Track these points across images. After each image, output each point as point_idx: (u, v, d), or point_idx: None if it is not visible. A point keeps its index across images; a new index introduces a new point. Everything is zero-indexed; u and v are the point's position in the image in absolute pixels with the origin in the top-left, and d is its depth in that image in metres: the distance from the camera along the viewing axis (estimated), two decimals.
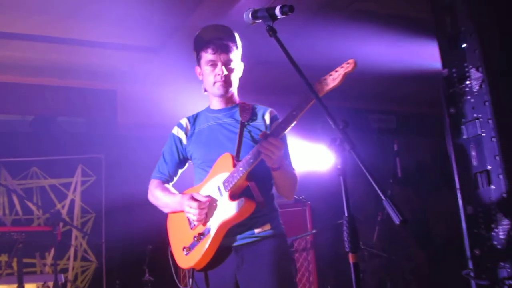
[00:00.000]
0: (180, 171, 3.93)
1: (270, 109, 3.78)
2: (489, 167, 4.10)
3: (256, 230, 3.50)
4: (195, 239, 3.50)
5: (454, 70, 4.39)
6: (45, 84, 8.41)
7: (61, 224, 7.21)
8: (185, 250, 3.57)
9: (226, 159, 3.52)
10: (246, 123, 3.67)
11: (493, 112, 4.10)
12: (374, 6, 7.25)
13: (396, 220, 2.33)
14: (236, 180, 3.37)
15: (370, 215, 8.10)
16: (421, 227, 10.51)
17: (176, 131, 3.87)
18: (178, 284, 3.86)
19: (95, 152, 8.50)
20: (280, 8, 2.93)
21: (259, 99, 4.01)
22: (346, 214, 2.51)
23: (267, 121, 3.71)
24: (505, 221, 3.97)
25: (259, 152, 3.26)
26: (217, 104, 3.81)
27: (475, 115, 4.20)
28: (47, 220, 7.87)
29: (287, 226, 3.76)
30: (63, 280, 6.52)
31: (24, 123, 8.43)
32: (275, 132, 3.29)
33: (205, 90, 3.83)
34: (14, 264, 6.56)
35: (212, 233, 3.43)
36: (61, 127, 8.56)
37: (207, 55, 3.68)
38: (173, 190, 3.82)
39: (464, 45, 4.32)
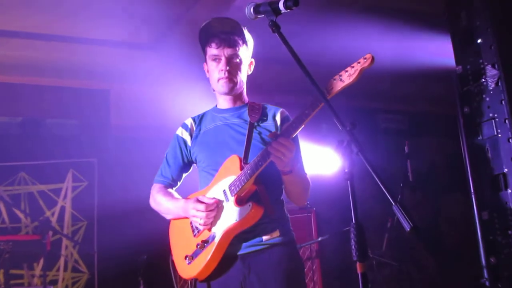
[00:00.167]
0: (184, 175, 3.91)
1: (281, 109, 3.76)
2: (505, 169, 4.11)
3: (265, 237, 3.47)
4: (198, 247, 3.47)
5: (468, 67, 4.41)
6: (34, 84, 8.41)
7: (50, 232, 7.23)
8: (187, 258, 3.53)
9: (233, 161, 3.50)
10: (255, 123, 3.65)
11: (510, 112, 4.10)
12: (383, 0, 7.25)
13: (407, 227, 2.33)
14: (243, 184, 3.35)
15: (379, 221, 8.09)
16: (433, 234, 10.50)
17: (181, 132, 3.85)
18: None
19: (87, 156, 8.50)
20: (284, 2, 2.92)
21: (260, 99, 3.99)
22: (353, 220, 2.50)
23: (278, 122, 3.69)
24: None
25: (268, 153, 3.23)
26: (224, 103, 3.79)
27: (490, 115, 4.22)
28: (36, 229, 7.87)
29: None
30: None
31: (11, 125, 8.41)
32: (286, 132, 3.26)
33: (214, 89, 3.81)
34: (1, 276, 6.57)
35: (217, 240, 3.40)
36: (51, 130, 8.54)
37: (211, 50, 3.67)
38: (176, 195, 3.80)
39: (479, 40, 4.34)
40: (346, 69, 3.07)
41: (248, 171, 3.33)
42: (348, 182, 2.53)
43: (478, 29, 4.30)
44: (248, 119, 3.67)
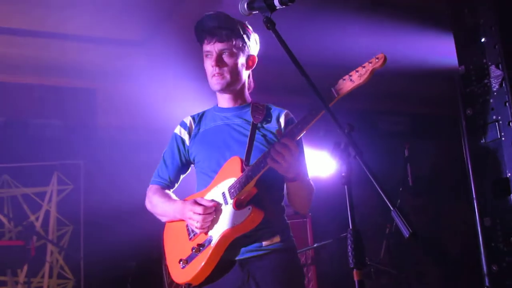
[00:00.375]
0: (182, 176, 3.88)
1: (286, 111, 3.74)
2: (509, 174, 4.10)
3: (265, 243, 3.44)
4: (194, 250, 3.43)
5: (471, 67, 4.40)
6: (16, 83, 8.39)
7: (34, 238, 7.23)
8: (181, 262, 3.50)
9: (234, 163, 3.48)
10: (258, 124, 3.63)
11: None
12: None
13: (406, 233, 2.33)
14: (244, 186, 3.33)
15: (377, 227, 8.10)
16: (434, 241, 10.51)
17: (179, 130, 3.81)
18: None
19: (73, 158, 8.48)
20: None
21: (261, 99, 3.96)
22: (350, 226, 2.50)
23: (282, 124, 3.67)
24: None
25: (270, 155, 3.21)
26: (224, 102, 3.77)
27: (494, 117, 4.21)
28: (19, 234, 7.86)
29: None
30: None
31: None
32: (291, 133, 3.25)
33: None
34: None
35: (213, 244, 3.37)
36: (35, 130, 8.53)
37: (204, 46, 3.66)
38: (174, 196, 3.76)
39: (483, 39, 4.34)
40: (357, 69, 3.07)
41: (249, 173, 3.31)
42: (345, 186, 2.53)
43: (482, 28, 4.30)
44: (251, 119, 3.64)
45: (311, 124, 3.18)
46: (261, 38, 3.80)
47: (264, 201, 3.42)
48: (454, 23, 4.58)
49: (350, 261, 2.46)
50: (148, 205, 3.82)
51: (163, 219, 3.76)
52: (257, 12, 3.01)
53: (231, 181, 3.42)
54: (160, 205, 3.71)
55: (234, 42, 3.62)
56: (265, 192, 3.43)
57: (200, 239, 3.46)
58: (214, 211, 3.41)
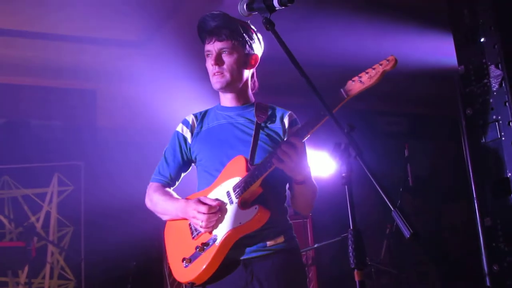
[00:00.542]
0: (183, 174, 3.84)
1: (289, 112, 3.73)
2: (509, 174, 4.10)
3: (269, 243, 3.43)
4: (198, 249, 3.42)
5: (471, 67, 4.41)
6: (17, 84, 8.39)
7: (35, 239, 7.22)
8: (184, 261, 3.47)
9: (238, 162, 3.46)
10: (262, 124, 3.62)
11: None
12: None
13: (406, 233, 2.32)
14: (250, 186, 3.32)
15: (377, 228, 8.10)
16: (434, 241, 10.51)
17: (181, 128, 3.78)
18: None
19: (73, 159, 8.48)
20: None
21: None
22: (351, 226, 2.50)
23: (286, 124, 3.65)
24: None
25: (276, 155, 3.19)
26: (227, 101, 3.75)
27: (494, 117, 4.21)
28: (20, 235, 7.85)
29: None
30: None
31: None
32: (300, 133, 3.24)
33: None
34: None
35: (218, 243, 3.35)
36: (35, 132, 8.53)
37: (205, 46, 3.65)
38: (175, 195, 3.72)
39: (482, 39, 4.34)
40: (367, 71, 3.07)
41: (256, 173, 3.30)
42: (346, 186, 2.53)
43: (481, 28, 4.31)
44: (254, 119, 3.63)
45: (319, 125, 3.18)
46: None
47: (269, 201, 3.41)
48: (453, 23, 4.58)
49: (351, 261, 2.46)
50: (148, 203, 3.78)
51: (164, 218, 3.73)
52: (256, 13, 3.02)
53: (235, 180, 3.41)
54: (161, 203, 3.67)
55: (234, 41, 3.60)
56: (270, 192, 3.43)
57: (204, 238, 3.44)
58: (218, 210, 3.39)
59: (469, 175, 4.41)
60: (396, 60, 2.99)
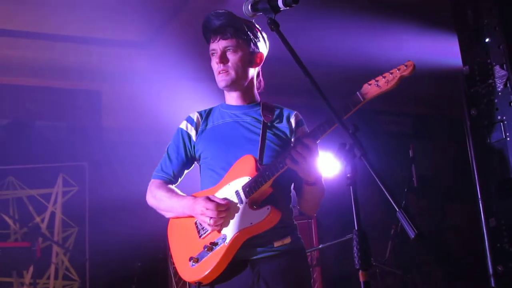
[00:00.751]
0: (185, 171, 3.81)
1: (295, 112, 3.72)
2: None
3: (276, 243, 3.42)
4: (206, 249, 3.39)
5: (476, 67, 4.40)
6: (22, 85, 8.40)
7: (40, 239, 7.23)
8: (191, 261, 3.43)
9: (247, 161, 3.44)
10: (269, 123, 3.61)
11: None
12: None
13: (411, 234, 2.32)
14: (260, 186, 3.30)
15: (382, 228, 8.08)
16: (439, 242, 10.49)
17: (185, 125, 3.76)
18: None
19: (78, 159, 8.49)
20: None
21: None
22: (356, 227, 2.49)
23: (293, 124, 3.65)
24: None
25: (290, 155, 3.18)
26: (232, 100, 3.73)
27: (499, 117, 4.20)
28: (25, 235, 7.86)
29: None
30: None
31: None
32: (314, 134, 3.23)
33: None
34: None
35: (228, 242, 3.32)
36: (40, 132, 8.53)
37: (210, 45, 3.65)
38: (180, 192, 3.68)
39: (487, 40, 4.33)
40: (384, 75, 3.08)
41: (267, 173, 3.28)
42: (351, 187, 2.52)
43: (486, 28, 4.30)
44: (261, 118, 3.61)
45: (333, 128, 3.16)
46: None
47: (279, 201, 3.40)
48: (457, 24, 4.57)
49: (356, 262, 2.45)
50: (150, 200, 3.74)
51: (168, 215, 3.69)
52: (261, 13, 3.01)
53: (245, 179, 3.39)
54: (165, 200, 3.63)
55: (238, 39, 3.60)
56: (280, 192, 3.42)
57: (213, 237, 3.41)
58: (227, 209, 3.37)
59: (473, 176, 4.40)
60: (414, 66, 3.00)
